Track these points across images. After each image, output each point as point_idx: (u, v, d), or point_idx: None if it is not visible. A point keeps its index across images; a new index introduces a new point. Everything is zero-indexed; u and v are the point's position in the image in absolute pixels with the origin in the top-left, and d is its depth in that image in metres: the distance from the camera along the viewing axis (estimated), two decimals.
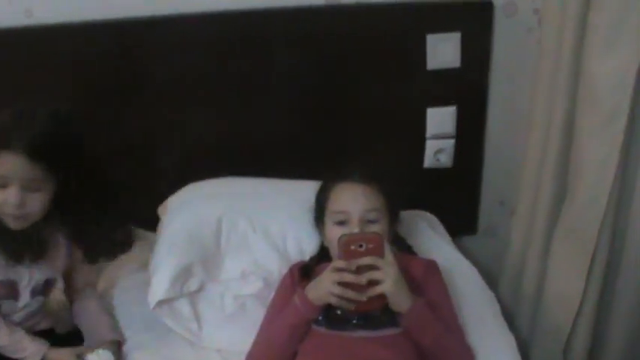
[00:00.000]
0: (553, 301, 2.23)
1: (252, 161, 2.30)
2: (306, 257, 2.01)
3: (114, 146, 2.22)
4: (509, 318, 2.09)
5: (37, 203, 1.70)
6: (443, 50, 2.25)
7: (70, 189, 1.74)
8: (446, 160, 2.39)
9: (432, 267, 1.91)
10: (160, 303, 1.90)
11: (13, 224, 1.71)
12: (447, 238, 2.30)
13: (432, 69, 2.27)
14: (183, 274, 1.93)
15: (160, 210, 2.19)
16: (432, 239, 2.21)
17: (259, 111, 2.29)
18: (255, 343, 1.82)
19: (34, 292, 1.85)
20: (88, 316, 1.94)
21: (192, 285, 1.94)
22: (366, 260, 1.67)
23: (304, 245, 2.04)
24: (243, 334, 1.87)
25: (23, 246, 1.76)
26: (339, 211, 1.85)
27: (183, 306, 1.94)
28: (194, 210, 2.08)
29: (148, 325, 1.95)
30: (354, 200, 1.84)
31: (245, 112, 2.28)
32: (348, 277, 1.66)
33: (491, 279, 2.24)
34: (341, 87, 2.29)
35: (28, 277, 1.82)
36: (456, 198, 2.49)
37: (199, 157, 2.30)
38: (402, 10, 2.24)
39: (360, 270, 1.67)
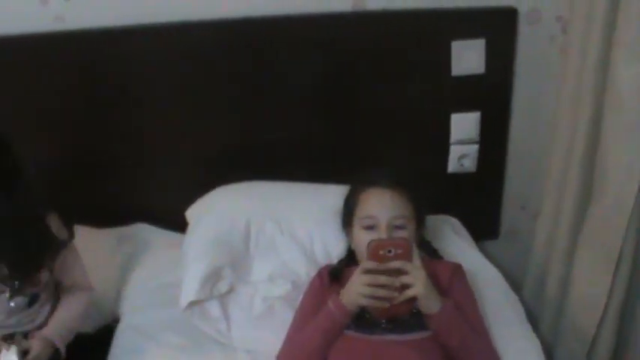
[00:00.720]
0: (577, 305, 2.24)
1: (272, 166, 2.32)
2: (333, 260, 2.03)
3: (132, 147, 2.31)
4: (533, 321, 2.09)
5: None
6: (467, 57, 2.28)
7: None
8: (469, 165, 2.42)
9: (457, 270, 1.93)
10: (190, 304, 1.93)
11: None
12: (471, 242, 2.32)
13: (457, 75, 2.30)
14: (213, 276, 1.96)
15: (189, 213, 2.22)
16: (456, 243, 2.24)
17: (280, 115, 2.32)
18: (286, 347, 1.84)
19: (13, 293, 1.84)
20: (57, 309, 1.93)
21: (223, 287, 1.97)
22: (395, 264, 1.70)
23: (331, 248, 2.07)
24: (271, 336, 1.90)
25: None
26: (368, 216, 1.87)
27: (213, 307, 1.97)
28: (222, 213, 2.12)
29: (176, 326, 1.98)
30: (382, 206, 1.86)
31: (265, 116, 2.32)
32: (380, 279, 1.69)
33: (512, 283, 2.25)
34: (365, 92, 2.32)
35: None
36: (479, 202, 2.51)
37: (217, 159, 2.34)
38: (428, 16, 2.27)
39: (389, 275, 1.70)
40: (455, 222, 2.40)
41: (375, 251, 1.71)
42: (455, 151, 2.40)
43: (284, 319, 1.91)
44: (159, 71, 2.23)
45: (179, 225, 2.29)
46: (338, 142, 2.37)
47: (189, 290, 1.92)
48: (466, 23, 2.28)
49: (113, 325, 2.07)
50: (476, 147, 2.40)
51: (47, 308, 1.92)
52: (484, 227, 2.55)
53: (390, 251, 1.71)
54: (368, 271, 1.71)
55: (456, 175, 2.44)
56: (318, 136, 2.36)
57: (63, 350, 1.86)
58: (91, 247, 2.17)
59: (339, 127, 2.36)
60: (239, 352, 1.93)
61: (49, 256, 1.86)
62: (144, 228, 2.36)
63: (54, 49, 2.18)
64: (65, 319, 1.90)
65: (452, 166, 2.42)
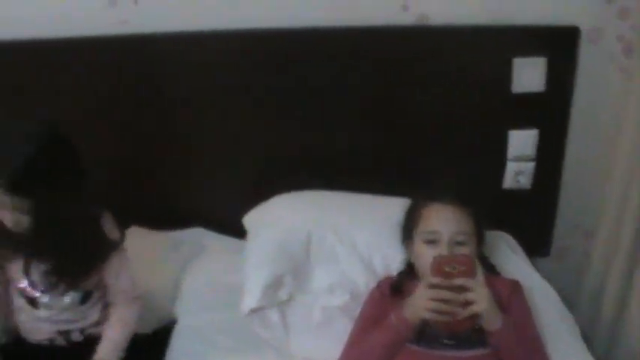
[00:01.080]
0: (635, 326, 2.23)
1: (325, 176, 2.34)
2: (391, 272, 2.05)
3: (190, 152, 2.35)
4: (586, 340, 2.09)
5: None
6: (528, 74, 2.28)
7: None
8: (525, 181, 2.42)
9: (516, 287, 1.95)
10: (251, 311, 1.96)
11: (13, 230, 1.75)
12: (525, 259, 2.32)
13: (517, 92, 2.30)
14: (275, 284, 1.99)
15: (247, 219, 2.24)
16: (511, 260, 2.24)
17: (339, 127, 2.34)
18: (346, 358, 1.85)
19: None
20: (106, 326, 1.93)
21: (283, 295, 2.00)
22: (459, 281, 1.72)
23: (390, 261, 2.08)
24: (329, 345, 1.91)
25: (30, 245, 1.80)
26: (430, 231, 1.89)
27: (273, 315, 1.99)
28: (285, 221, 2.14)
29: (233, 330, 2.01)
30: (445, 221, 1.88)
31: (324, 127, 2.35)
32: (445, 294, 1.70)
33: (562, 301, 2.25)
34: (424, 106, 2.33)
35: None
36: (532, 219, 2.51)
37: (271, 167, 2.37)
38: (490, 33, 2.27)
39: (452, 291, 1.72)
40: (508, 238, 2.39)
41: (440, 267, 1.74)
42: (511, 167, 2.40)
43: (342, 329, 1.93)
44: (216, 77, 2.27)
45: (233, 230, 2.34)
46: (392, 156, 2.39)
47: (252, 297, 1.95)
48: (528, 41, 2.27)
49: (170, 327, 2.09)
50: (532, 164, 2.40)
51: (99, 307, 1.95)
52: (535, 244, 2.53)
53: (454, 267, 1.73)
54: (433, 286, 1.72)
55: (510, 192, 2.44)
56: (370, 148, 2.38)
57: None
58: (148, 248, 2.23)
59: (394, 140, 2.37)
60: None
61: (100, 258, 1.88)
62: (200, 232, 2.39)
63: (115, 51, 2.22)
64: (118, 339, 1.90)
65: (507, 182, 2.42)
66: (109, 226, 1.88)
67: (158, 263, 2.24)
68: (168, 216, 2.39)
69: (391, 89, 2.31)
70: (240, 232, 2.31)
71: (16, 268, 1.85)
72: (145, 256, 2.14)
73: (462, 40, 2.28)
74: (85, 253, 1.83)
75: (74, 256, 1.81)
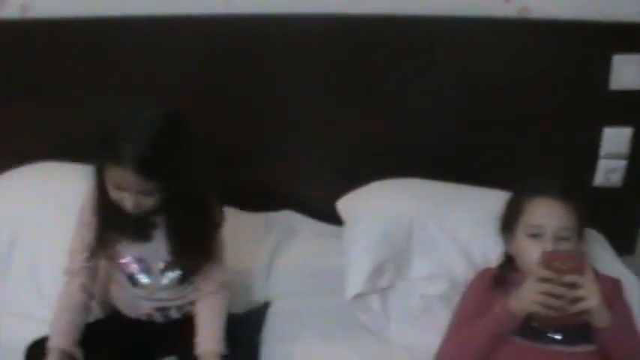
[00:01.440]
0: None
1: (415, 165, 2.34)
2: (489, 264, 2.05)
3: (282, 135, 2.39)
4: None
5: (151, 202, 1.75)
6: (628, 71, 2.26)
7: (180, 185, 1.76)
8: (616, 180, 2.41)
9: (618, 285, 1.94)
10: (355, 296, 1.97)
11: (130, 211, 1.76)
12: (615, 257, 2.30)
13: (614, 89, 2.29)
14: (377, 270, 2.01)
15: (341, 204, 2.26)
16: (603, 258, 2.22)
17: (432, 118, 2.36)
18: (450, 345, 1.85)
19: (167, 269, 1.90)
20: (201, 317, 1.91)
21: (384, 282, 2.02)
22: (570, 278, 1.71)
23: (489, 252, 2.08)
24: (428, 334, 1.92)
25: (141, 225, 1.84)
26: (535, 225, 1.88)
27: (374, 301, 2.02)
28: (386, 209, 2.15)
29: (329, 315, 2.03)
30: (550, 216, 1.87)
31: (418, 117, 2.36)
32: (556, 289, 1.70)
33: None
34: (519, 99, 2.32)
35: (155, 254, 1.88)
36: (618, 218, 2.49)
37: (362, 153, 2.39)
38: (591, 28, 2.25)
39: (561, 286, 1.71)
40: (598, 236, 2.37)
41: (549, 262, 1.73)
42: (604, 164, 2.39)
43: (441, 318, 1.94)
44: (315, 62, 2.29)
45: (322, 214, 2.38)
46: (484, 149, 2.39)
47: (356, 282, 1.98)
48: (629, 37, 2.25)
49: (262, 308, 2.11)
50: (625, 162, 2.39)
51: (191, 287, 1.96)
52: (620, 243, 2.51)
53: (562, 263, 1.72)
54: (543, 280, 1.72)
55: (599, 189, 2.43)
56: (463, 140, 2.38)
57: (225, 350, 1.87)
58: (241, 229, 2.24)
59: (487, 133, 2.37)
60: (396, 347, 1.95)
61: (208, 237, 1.90)
62: (291, 215, 2.42)
63: (216, 31, 2.26)
64: (215, 331, 1.88)
65: (598, 180, 2.41)
66: (212, 205, 1.90)
67: (251, 244, 2.27)
68: (258, 198, 2.42)
69: (486, 81, 2.30)
70: (327, 216, 2.34)
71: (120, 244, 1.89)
72: (237, 236, 2.15)
73: (562, 34, 2.26)
74: (201, 232, 1.86)
75: (193, 235, 1.85)
